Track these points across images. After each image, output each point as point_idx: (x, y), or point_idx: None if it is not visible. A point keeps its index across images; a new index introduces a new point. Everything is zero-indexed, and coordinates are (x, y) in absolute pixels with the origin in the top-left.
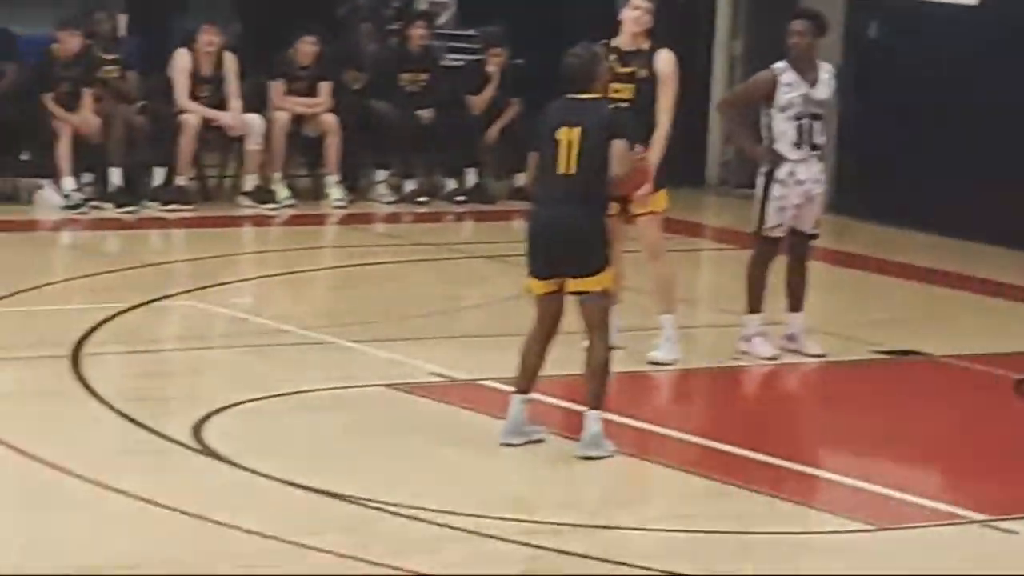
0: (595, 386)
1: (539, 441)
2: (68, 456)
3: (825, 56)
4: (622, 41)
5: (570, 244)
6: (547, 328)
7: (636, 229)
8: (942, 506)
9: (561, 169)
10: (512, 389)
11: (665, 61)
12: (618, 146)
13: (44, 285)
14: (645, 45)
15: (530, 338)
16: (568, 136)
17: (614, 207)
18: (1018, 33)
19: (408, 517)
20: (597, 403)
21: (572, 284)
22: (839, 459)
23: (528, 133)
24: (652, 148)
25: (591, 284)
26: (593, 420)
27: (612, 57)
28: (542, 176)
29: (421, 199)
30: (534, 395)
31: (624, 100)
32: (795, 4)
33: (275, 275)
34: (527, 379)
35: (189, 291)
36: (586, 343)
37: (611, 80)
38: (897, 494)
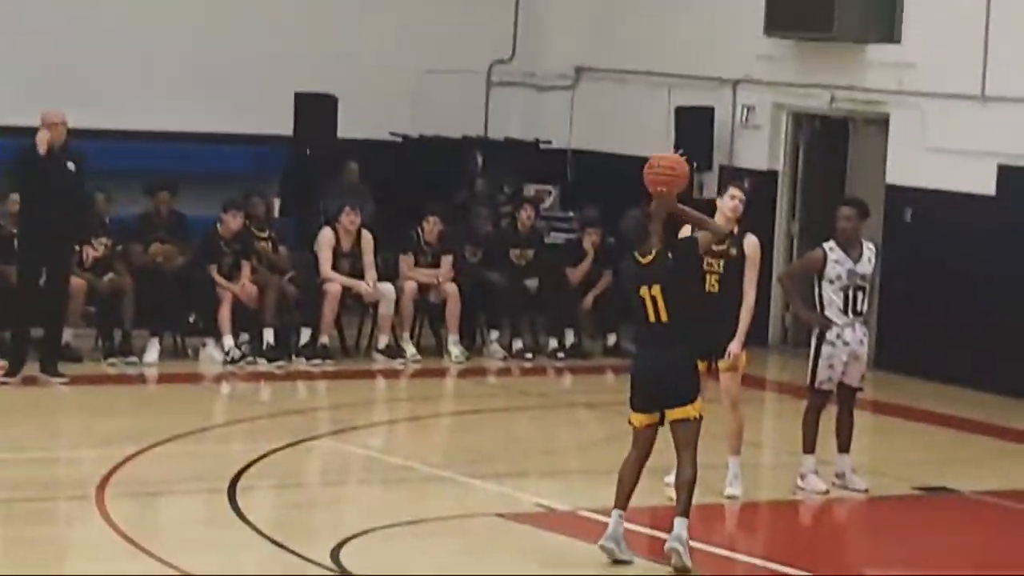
0: (684, 497)
1: (628, 563)
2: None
3: (868, 236)
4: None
5: (670, 380)
6: (644, 454)
7: (720, 383)
8: None
9: (652, 319)
10: (612, 507)
11: (752, 244)
12: (698, 240)
13: (207, 428)
14: (736, 228)
15: (628, 463)
16: (650, 293)
17: (703, 364)
18: None
19: None
20: (685, 511)
21: (671, 413)
22: None
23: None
24: (742, 319)
25: (688, 411)
26: (680, 524)
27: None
28: (638, 325)
29: (528, 355)
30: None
31: (716, 273)
32: (842, 192)
33: (403, 420)
34: (624, 497)
35: (330, 434)
36: (669, 479)
37: (707, 256)
38: None
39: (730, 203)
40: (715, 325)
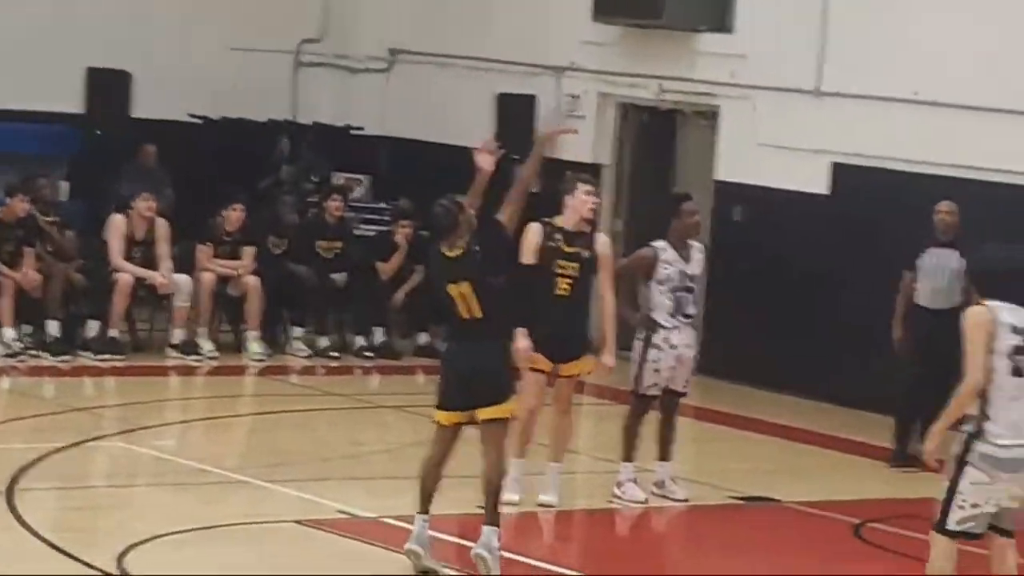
0: (491, 502)
1: (435, 572)
2: None
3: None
4: (567, 222)
5: (483, 379)
6: (445, 454)
7: (555, 387)
8: None
9: (465, 315)
10: (416, 512)
11: (604, 243)
12: (502, 222)
13: None
14: (587, 228)
15: (428, 464)
16: (459, 290)
17: (545, 364)
18: (860, 218)
19: None
20: (493, 519)
21: (483, 413)
22: None
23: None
24: (607, 325)
25: (502, 411)
26: (489, 532)
27: (558, 237)
28: (449, 320)
29: (333, 354)
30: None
31: (568, 277)
32: (666, 190)
33: (198, 420)
34: (427, 500)
35: (118, 433)
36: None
37: (559, 258)
38: None
39: (585, 200)
40: (563, 330)
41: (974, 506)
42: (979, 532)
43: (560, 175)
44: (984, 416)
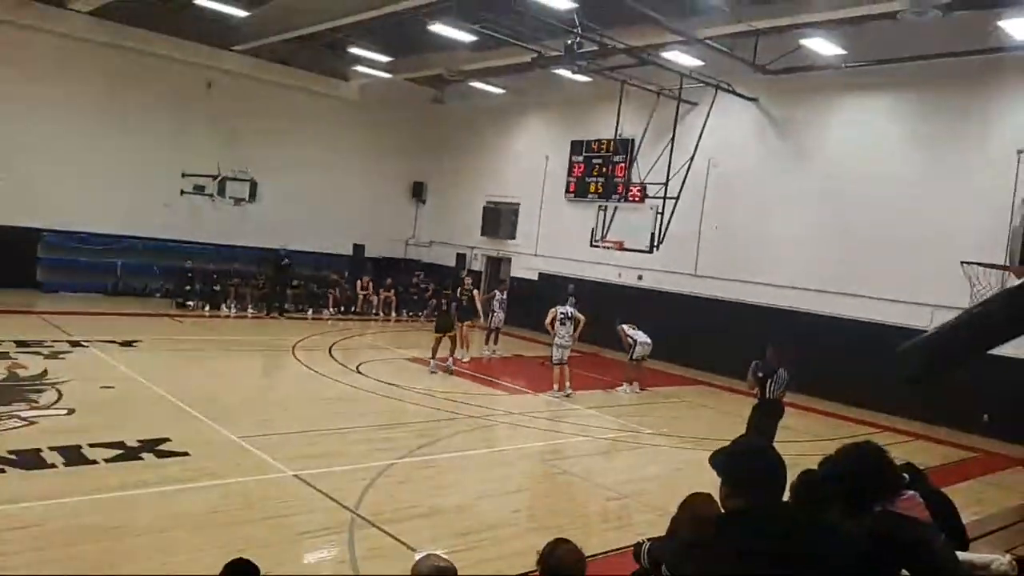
0: (452, 349)
1: (435, 372)
2: None
3: None
4: (465, 286)
5: (446, 323)
6: (439, 344)
7: (463, 331)
8: None
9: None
10: (430, 358)
11: (478, 293)
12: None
13: None
14: (471, 281)
15: (434, 348)
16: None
17: (469, 324)
18: (529, 292)
19: None
20: (452, 353)
21: (448, 333)
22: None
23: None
24: (480, 309)
25: (451, 331)
26: (450, 361)
27: (466, 291)
28: (437, 311)
29: None
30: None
31: (470, 300)
32: (499, 279)
33: None
34: (434, 352)
35: None
36: (459, 351)
37: (465, 297)
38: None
39: (467, 283)
40: (467, 314)
41: (559, 359)
42: (563, 362)
43: (467, 270)
44: (555, 333)
